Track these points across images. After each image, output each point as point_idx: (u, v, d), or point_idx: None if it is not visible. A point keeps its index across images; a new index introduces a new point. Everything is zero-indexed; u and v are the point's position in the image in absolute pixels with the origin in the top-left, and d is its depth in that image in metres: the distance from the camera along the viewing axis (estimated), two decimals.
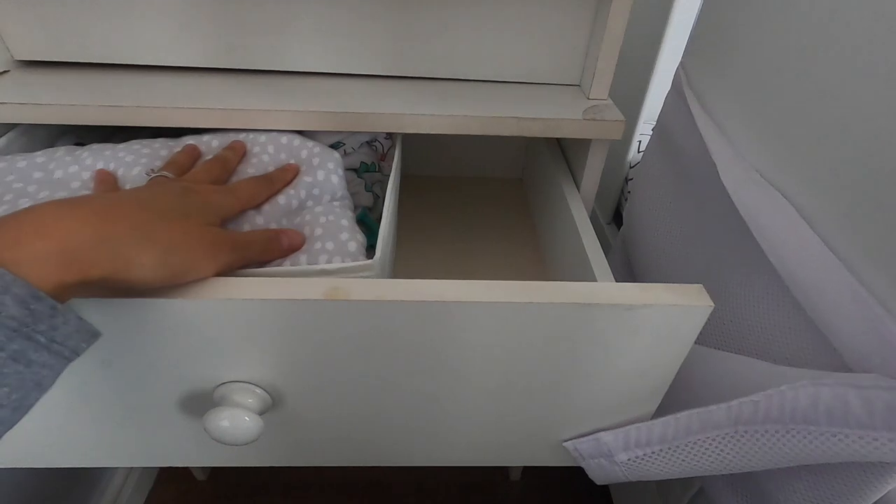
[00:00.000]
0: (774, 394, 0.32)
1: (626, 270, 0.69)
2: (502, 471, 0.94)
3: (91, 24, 0.48)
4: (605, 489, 0.87)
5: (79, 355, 0.26)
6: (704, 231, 0.48)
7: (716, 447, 0.36)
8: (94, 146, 0.42)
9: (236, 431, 0.32)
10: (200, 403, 0.35)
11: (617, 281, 0.38)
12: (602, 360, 0.34)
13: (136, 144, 0.42)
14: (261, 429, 0.33)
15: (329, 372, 0.34)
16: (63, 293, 0.24)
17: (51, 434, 0.39)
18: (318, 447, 0.42)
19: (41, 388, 0.25)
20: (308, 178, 0.41)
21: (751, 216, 0.40)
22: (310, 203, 0.41)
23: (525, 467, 0.93)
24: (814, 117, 0.35)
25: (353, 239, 0.37)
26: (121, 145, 0.42)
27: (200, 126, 0.44)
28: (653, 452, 0.39)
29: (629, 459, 0.40)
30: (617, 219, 0.96)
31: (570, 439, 0.41)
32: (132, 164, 0.40)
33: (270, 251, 0.35)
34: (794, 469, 0.35)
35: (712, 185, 0.45)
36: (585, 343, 0.33)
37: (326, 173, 0.42)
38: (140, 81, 0.48)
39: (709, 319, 0.33)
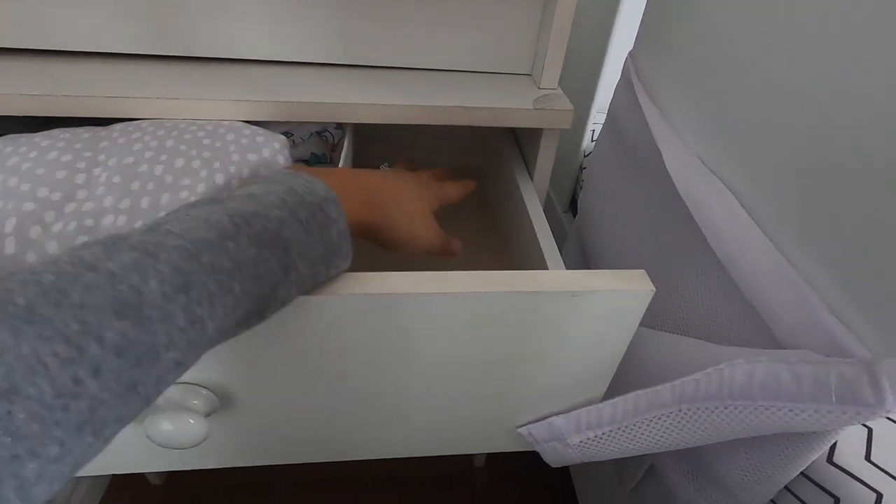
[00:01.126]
0: (713, 372, 0.34)
1: (581, 259, 0.70)
2: (467, 458, 0.95)
3: (16, 6, 0.44)
4: (565, 470, 0.89)
5: (326, 272, 0.30)
6: (652, 218, 0.50)
7: (662, 425, 0.37)
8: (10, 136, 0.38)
9: (181, 435, 0.31)
10: None
11: (571, 269, 0.39)
12: (551, 345, 0.35)
13: (56, 131, 0.39)
14: (206, 431, 0.32)
15: (278, 369, 0.34)
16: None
17: None
18: (272, 446, 0.42)
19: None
20: (252, 157, 0.38)
21: (692, 201, 0.41)
22: None
23: (488, 454, 0.94)
24: (750, 106, 0.37)
25: None
26: (39, 133, 0.39)
27: (136, 117, 0.42)
28: (603, 433, 0.40)
29: (581, 442, 0.41)
30: (573, 207, 0.98)
31: (524, 425, 0.42)
32: (48, 148, 0.36)
33: (440, 254, 0.42)
34: (734, 442, 0.37)
35: (659, 173, 0.47)
36: (534, 330, 0.33)
37: (272, 153, 0.39)
38: (70, 69, 0.45)
39: (657, 303, 0.34)
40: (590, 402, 0.40)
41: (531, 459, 0.95)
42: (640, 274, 0.33)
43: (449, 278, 0.31)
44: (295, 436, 0.41)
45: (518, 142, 0.60)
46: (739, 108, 0.38)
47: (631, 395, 0.38)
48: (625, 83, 0.57)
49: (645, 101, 0.51)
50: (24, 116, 0.41)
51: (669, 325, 0.45)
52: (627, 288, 0.31)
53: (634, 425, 0.38)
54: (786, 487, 0.37)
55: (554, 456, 0.43)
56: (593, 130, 0.89)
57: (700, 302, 0.41)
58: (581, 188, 0.93)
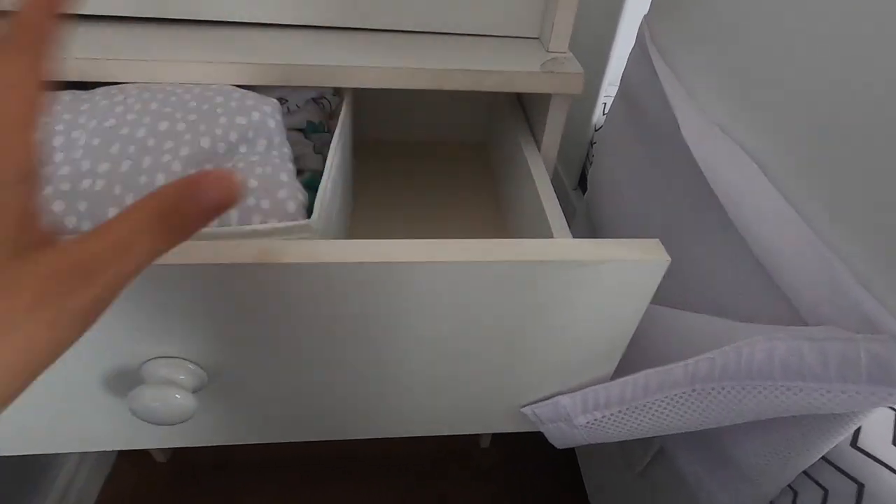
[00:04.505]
0: (730, 350, 0.32)
1: (591, 236, 0.68)
2: (472, 438, 0.94)
3: None
4: (571, 452, 0.88)
5: None
6: (666, 191, 0.47)
7: (674, 406, 0.35)
8: None
9: (167, 411, 0.30)
10: (128, 382, 0.32)
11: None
12: (559, 319, 0.33)
13: None
14: (194, 407, 0.30)
15: (268, 342, 0.32)
16: None
17: None
18: (264, 423, 0.40)
19: None
20: (241, 120, 0.36)
21: (710, 170, 0.38)
22: (242, 149, 0.35)
23: (494, 435, 0.93)
24: (774, 70, 0.34)
25: (293, 198, 0.33)
26: None
27: (120, 80, 0.40)
28: (611, 414, 0.38)
29: (588, 423, 0.39)
30: (582, 184, 0.95)
31: (529, 404, 0.40)
32: None
33: (174, 240, 0.18)
34: (750, 424, 0.35)
35: (674, 142, 0.44)
36: (542, 302, 0.31)
37: (263, 116, 0.37)
38: None
39: (669, 279, 0.32)
40: (598, 381, 0.38)
41: (537, 441, 0.94)
42: (654, 243, 0.30)
43: (449, 247, 0.29)
44: (286, 413, 0.39)
45: (525, 112, 0.58)
46: (764, 72, 0.35)
47: (641, 374, 0.36)
48: (639, 49, 0.54)
49: (661, 67, 0.48)
50: None
51: (681, 301, 0.42)
52: (641, 258, 0.29)
53: (644, 406, 0.36)
54: (805, 472, 0.35)
55: (559, 437, 0.41)
56: (605, 104, 0.86)
57: (716, 277, 0.39)
58: (591, 164, 0.90)
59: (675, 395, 0.35)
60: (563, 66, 0.44)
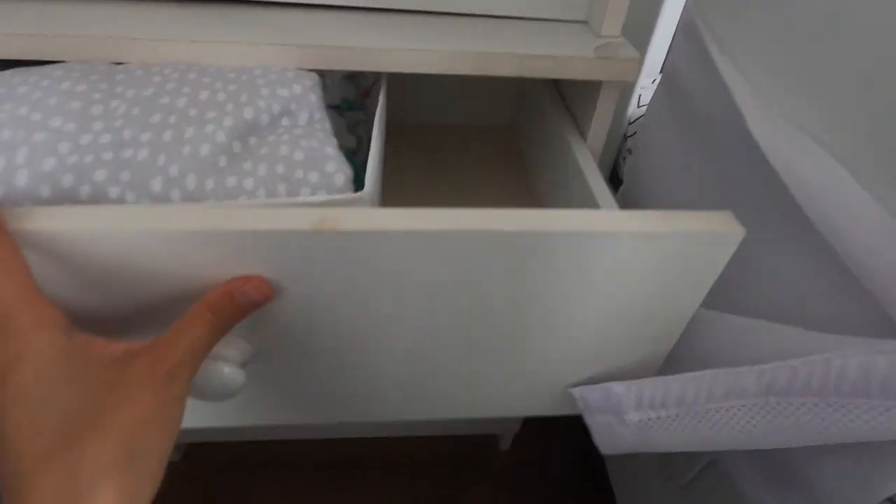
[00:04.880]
0: (818, 361, 0.29)
1: None
2: (491, 441, 0.92)
3: None
4: (599, 458, 0.84)
5: None
6: (723, 187, 0.44)
7: (741, 419, 0.32)
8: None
9: (217, 385, 0.28)
10: None
11: None
12: (615, 294, 0.30)
13: (69, 63, 0.35)
14: (242, 381, 0.29)
15: (319, 316, 0.30)
16: None
17: None
18: (305, 402, 0.38)
19: None
20: (283, 92, 0.34)
21: (785, 167, 0.35)
22: (285, 121, 0.34)
23: (515, 437, 0.90)
24: (853, 56, 0.31)
25: (341, 171, 0.32)
26: (50, 65, 0.34)
27: (147, 62, 0.37)
28: (668, 416, 0.35)
29: (640, 421, 0.36)
30: (613, 180, 0.92)
31: (578, 385, 0.37)
32: (61, 78, 0.32)
33: (226, 325, 0.26)
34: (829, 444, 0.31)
35: (732, 136, 0.41)
36: (598, 275, 0.29)
37: (304, 89, 0.35)
38: (72, 8, 0.40)
39: (728, 283, 0.30)
40: (651, 365, 0.35)
41: (561, 443, 0.92)
42: (725, 216, 0.28)
43: (508, 216, 0.27)
44: (330, 392, 0.37)
45: (564, 99, 0.55)
46: (840, 60, 0.32)
47: (706, 374, 0.33)
48: (687, 35, 0.51)
49: (717, 54, 0.45)
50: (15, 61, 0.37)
51: (735, 307, 0.39)
52: (711, 230, 0.27)
53: (707, 413, 0.33)
54: (891, 500, 0.32)
55: (606, 436, 0.38)
56: (640, 95, 0.83)
57: (784, 280, 0.36)
58: (625, 158, 0.87)
59: (744, 405, 0.32)
60: (618, 52, 0.41)
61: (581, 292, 0.30)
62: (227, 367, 0.28)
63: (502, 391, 0.39)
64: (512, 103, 0.68)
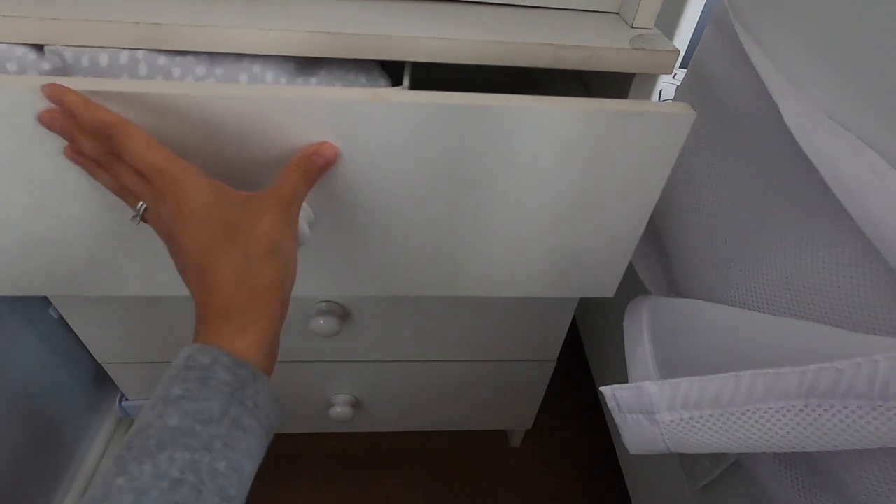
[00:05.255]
0: (864, 363, 0.28)
1: (648, 230, 0.63)
2: (501, 437, 0.91)
3: None
4: (612, 457, 0.83)
5: (274, 426, 0.29)
6: (756, 186, 0.43)
7: (779, 421, 0.32)
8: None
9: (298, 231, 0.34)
10: None
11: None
12: (597, 172, 0.38)
13: None
14: (309, 235, 0.36)
15: (366, 185, 0.37)
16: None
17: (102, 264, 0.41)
18: (357, 274, 0.44)
19: (252, 457, 0.27)
20: None
21: (827, 165, 0.34)
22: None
23: (526, 434, 0.90)
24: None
25: (383, 77, 0.42)
26: None
27: (165, 48, 0.37)
28: (702, 417, 0.34)
29: (673, 421, 0.35)
30: None
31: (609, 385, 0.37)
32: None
33: (312, 180, 0.35)
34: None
35: (767, 133, 0.40)
36: (588, 156, 0.37)
37: None
38: None
39: (764, 283, 0.32)
40: (626, 246, 0.42)
41: (571, 439, 0.91)
42: (682, 104, 0.35)
43: (543, 99, 0.34)
44: (374, 264, 0.43)
45: (590, 93, 0.54)
46: (885, 51, 0.31)
47: (746, 374, 0.32)
48: (717, 28, 0.50)
49: (752, 47, 0.44)
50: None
51: (771, 307, 0.39)
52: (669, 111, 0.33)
53: (743, 415, 0.33)
54: None
55: (636, 435, 0.38)
56: (661, 90, 0.81)
57: (823, 280, 0.35)
58: None
59: (784, 408, 0.31)
60: (654, 44, 0.40)
61: (563, 168, 0.38)
62: (301, 221, 0.35)
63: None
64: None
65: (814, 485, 0.36)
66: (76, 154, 0.34)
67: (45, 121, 0.32)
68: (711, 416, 0.34)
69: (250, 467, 0.27)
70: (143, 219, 0.32)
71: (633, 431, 0.38)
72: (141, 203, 0.32)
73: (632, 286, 0.67)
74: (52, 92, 0.31)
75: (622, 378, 0.65)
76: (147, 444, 0.24)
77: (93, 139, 0.31)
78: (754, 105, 0.43)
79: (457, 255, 0.43)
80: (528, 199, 0.39)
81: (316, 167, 0.34)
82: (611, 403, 0.37)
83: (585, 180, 0.38)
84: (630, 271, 0.64)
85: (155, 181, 0.30)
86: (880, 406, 0.28)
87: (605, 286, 0.47)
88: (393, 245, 0.42)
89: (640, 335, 0.47)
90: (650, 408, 0.36)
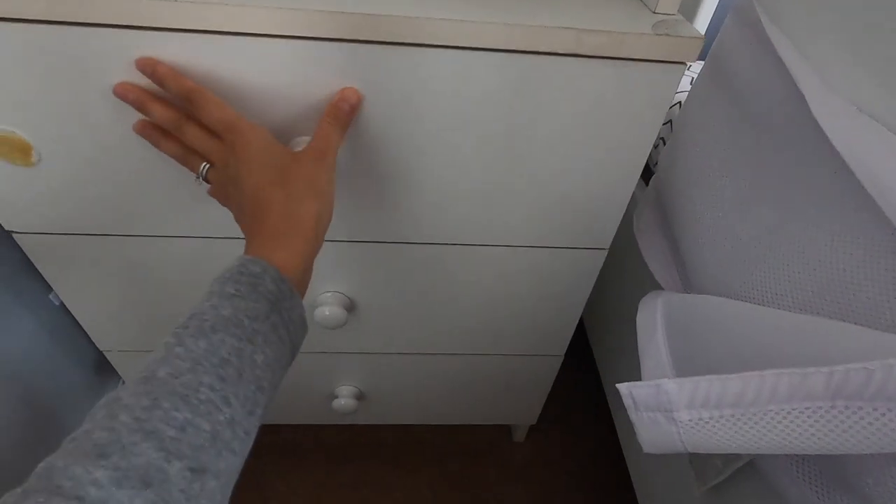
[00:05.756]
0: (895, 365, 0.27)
1: (660, 227, 0.62)
2: (504, 432, 0.91)
3: None
4: (618, 453, 0.82)
5: (297, 347, 0.34)
6: (778, 175, 0.42)
7: (802, 423, 0.31)
8: None
9: None
10: None
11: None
12: (588, 119, 0.43)
13: None
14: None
15: (385, 132, 0.41)
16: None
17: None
18: (380, 220, 0.49)
19: (281, 366, 0.32)
20: None
21: (857, 161, 0.33)
22: None
23: (530, 430, 0.89)
24: None
25: None
26: None
27: (168, 27, 0.35)
28: (722, 417, 0.33)
29: (691, 420, 0.34)
30: (644, 172, 0.89)
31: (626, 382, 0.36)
32: None
33: (343, 125, 0.40)
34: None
35: (792, 125, 0.39)
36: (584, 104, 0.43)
37: None
38: None
39: (792, 283, 0.31)
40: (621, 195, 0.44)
41: (575, 436, 0.90)
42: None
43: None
44: (392, 209, 0.47)
45: None
46: None
47: (770, 373, 0.31)
48: (739, 16, 0.49)
49: (777, 36, 0.42)
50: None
51: (798, 306, 0.37)
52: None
53: (766, 415, 0.32)
54: None
55: (653, 435, 0.37)
56: None
57: (853, 279, 0.34)
58: (656, 146, 0.84)
59: (808, 409, 0.30)
60: (678, 29, 0.39)
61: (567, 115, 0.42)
62: None
63: (513, 224, 0.51)
64: None
65: (830, 488, 0.35)
66: (145, 127, 0.39)
67: (120, 92, 0.37)
68: (732, 415, 0.33)
69: (278, 376, 0.31)
70: (206, 179, 0.39)
71: (649, 430, 0.36)
72: (204, 164, 0.38)
73: (641, 283, 0.66)
74: (145, 64, 0.36)
75: (628, 374, 0.64)
76: (203, 325, 0.28)
77: (165, 107, 0.37)
78: (778, 97, 0.42)
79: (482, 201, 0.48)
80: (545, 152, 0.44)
81: (343, 113, 0.39)
82: (627, 401, 0.36)
83: (587, 125, 0.43)
84: (640, 269, 0.63)
85: (226, 135, 0.36)
86: None
87: (601, 237, 0.54)
88: (420, 190, 0.46)
89: (654, 330, 0.46)
90: (668, 406, 0.35)
